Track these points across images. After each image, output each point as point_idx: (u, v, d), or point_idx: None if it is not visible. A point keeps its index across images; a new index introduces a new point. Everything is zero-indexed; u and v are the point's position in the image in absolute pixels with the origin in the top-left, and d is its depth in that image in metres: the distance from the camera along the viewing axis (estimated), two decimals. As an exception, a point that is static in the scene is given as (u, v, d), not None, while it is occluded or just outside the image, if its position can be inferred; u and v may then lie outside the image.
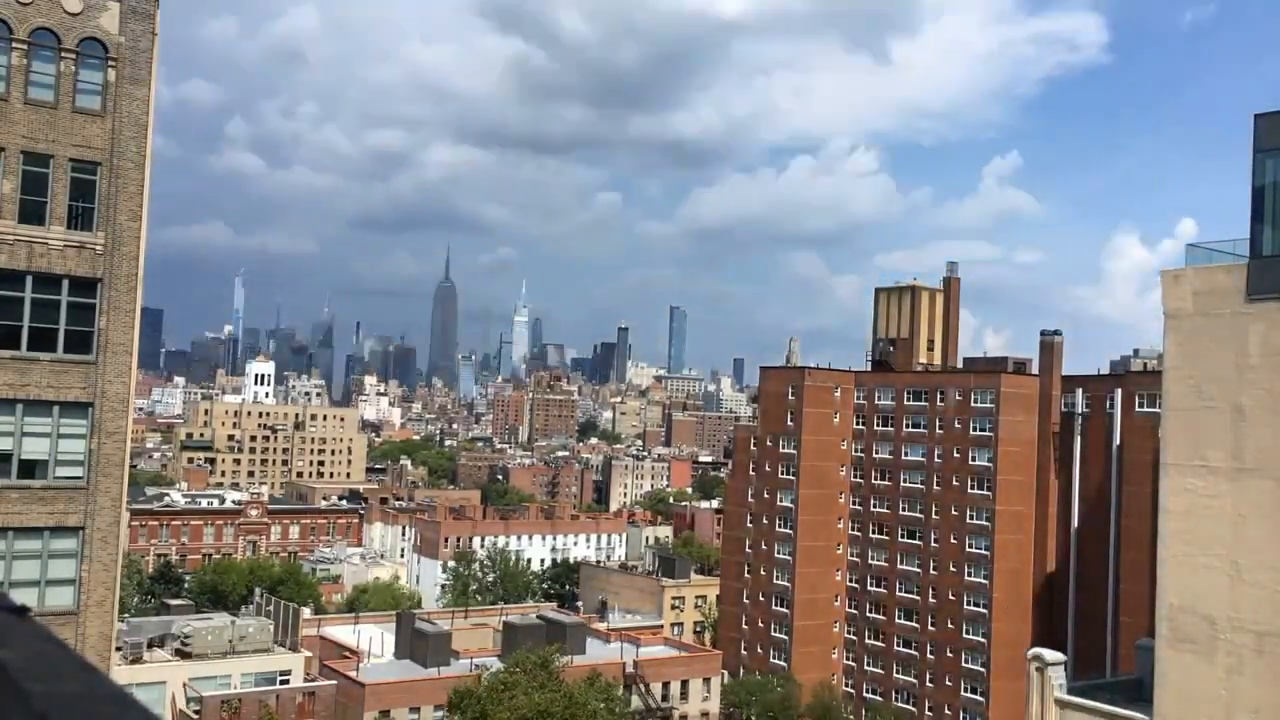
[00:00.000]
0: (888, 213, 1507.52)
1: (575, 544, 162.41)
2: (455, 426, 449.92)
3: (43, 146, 31.92)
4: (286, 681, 70.25)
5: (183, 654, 69.65)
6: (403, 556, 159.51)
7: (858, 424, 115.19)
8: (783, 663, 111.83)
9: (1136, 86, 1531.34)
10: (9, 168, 31.51)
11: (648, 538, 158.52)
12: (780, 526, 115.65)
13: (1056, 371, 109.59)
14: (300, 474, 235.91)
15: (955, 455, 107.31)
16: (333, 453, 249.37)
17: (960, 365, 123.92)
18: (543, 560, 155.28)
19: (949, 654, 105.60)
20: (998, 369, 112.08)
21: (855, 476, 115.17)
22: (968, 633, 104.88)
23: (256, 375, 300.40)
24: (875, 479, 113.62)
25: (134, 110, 33.19)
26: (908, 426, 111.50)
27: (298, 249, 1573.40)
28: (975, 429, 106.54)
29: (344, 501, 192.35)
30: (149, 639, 70.40)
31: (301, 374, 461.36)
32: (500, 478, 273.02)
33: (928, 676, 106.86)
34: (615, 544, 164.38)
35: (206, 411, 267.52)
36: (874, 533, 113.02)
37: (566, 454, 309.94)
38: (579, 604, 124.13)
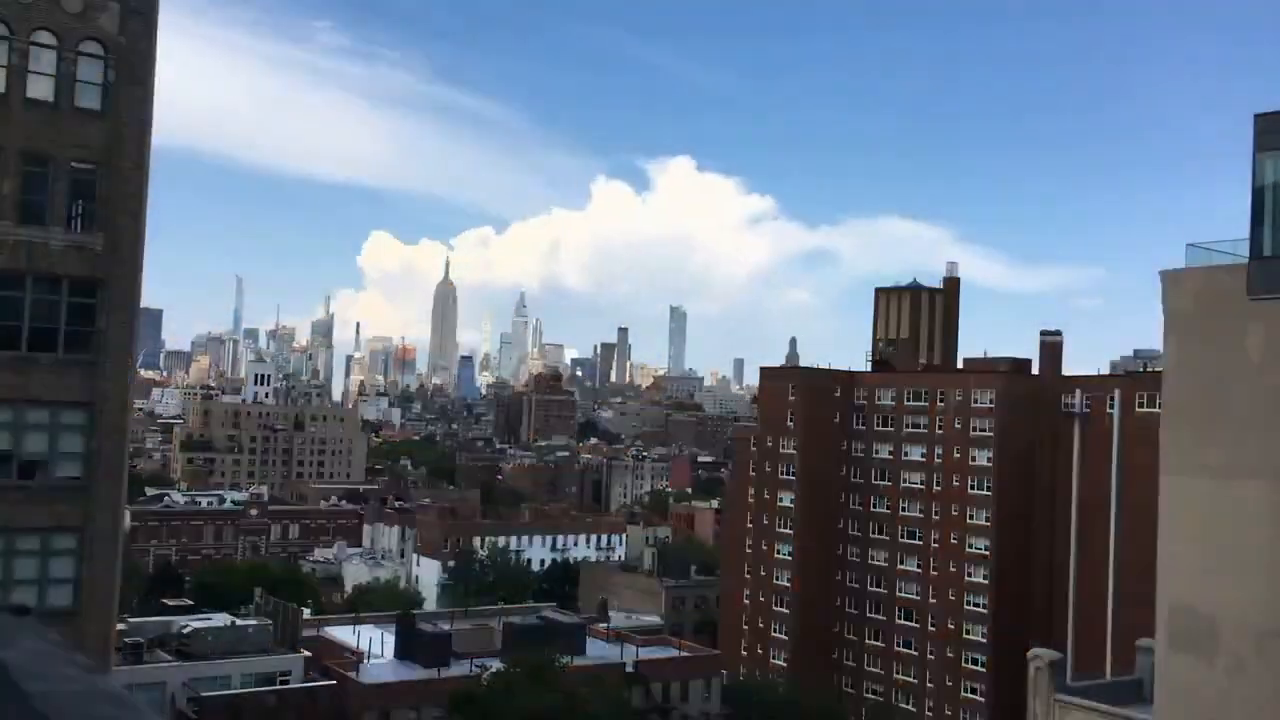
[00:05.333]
0: None
1: (575, 544, 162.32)
2: (455, 426, 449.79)
3: (42, 147, 31.90)
4: (286, 682, 70.10)
5: (183, 654, 69.56)
6: (403, 557, 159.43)
7: (858, 424, 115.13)
8: (783, 663, 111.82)
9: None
10: (9, 168, 31.48)
11: (648, 538, 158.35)
12: (780, 526, 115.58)
13: (1056, 372, 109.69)
14: (300, 474, 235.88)
15: (955, 455, 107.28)
16: (333, 453, 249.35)
17: (960, 365, 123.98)
18: (542, 560, 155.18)
19: (949, 654, 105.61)
20: (998, 369, 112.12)
21: (855, 476, 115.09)
22: (968, 633, 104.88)
23: (256, 375, 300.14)
24: (875, 479, 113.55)
25: (134, 110, 33.19)
26: (908, 426, 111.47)
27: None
28: (975, 429, 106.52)
29: (344, 502, 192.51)
30: (149, 639, 70.29)
31: (301, 374, 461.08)
32: (500, 478, 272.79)
33: (928, 676, 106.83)
34: (615, 544, 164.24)
35: (206, 412, 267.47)
36: (874, 533, 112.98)
37: (566, 454, 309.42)
38: (579, 604, 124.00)
